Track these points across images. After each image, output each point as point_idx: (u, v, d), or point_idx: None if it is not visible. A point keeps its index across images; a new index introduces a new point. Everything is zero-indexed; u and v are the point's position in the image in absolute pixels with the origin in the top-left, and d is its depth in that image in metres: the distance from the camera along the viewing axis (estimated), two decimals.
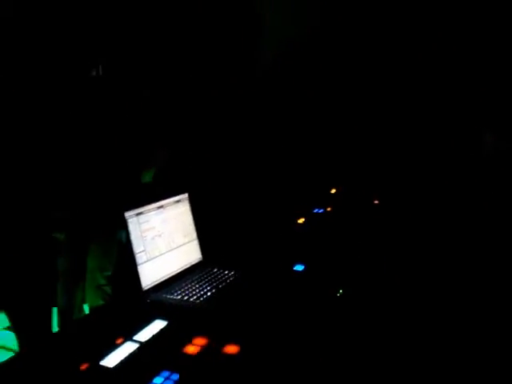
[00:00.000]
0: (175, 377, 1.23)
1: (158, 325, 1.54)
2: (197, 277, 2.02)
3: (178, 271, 2.06)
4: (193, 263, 2.16)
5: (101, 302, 2.50)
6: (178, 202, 2.15)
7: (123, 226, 1.82)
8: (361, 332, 1.64)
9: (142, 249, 1.90)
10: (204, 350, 1.38)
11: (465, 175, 2.64)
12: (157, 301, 1.81)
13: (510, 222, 2.46)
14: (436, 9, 2.38)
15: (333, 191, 3.23)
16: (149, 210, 1.98)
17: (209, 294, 1.85)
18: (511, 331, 1.48)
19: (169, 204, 2.10)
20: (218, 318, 1.62)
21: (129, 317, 1.65)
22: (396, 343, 1.68)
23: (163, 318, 1.59)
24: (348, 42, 2.79)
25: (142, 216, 1.93)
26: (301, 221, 2.66)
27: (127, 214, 1.86)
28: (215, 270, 2.09)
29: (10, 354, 2.12)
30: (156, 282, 1.93)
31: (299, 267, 2.04)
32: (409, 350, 1.67)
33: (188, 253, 2.16)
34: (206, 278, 2.01)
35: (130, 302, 1.81)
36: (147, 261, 1.92)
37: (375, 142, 3.14)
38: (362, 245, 2.31)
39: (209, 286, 1.92)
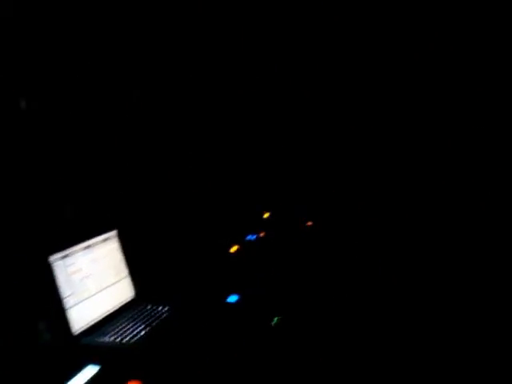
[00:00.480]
0: None
1: (90, 371, 1.49)
2: (130, 315, 1.98)
3: (111, 311, 2.01)
4: (125, 301, 2.11)
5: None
6: (106, 239, 2.10)
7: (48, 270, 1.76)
8: (297, 360, 1.65)
9: (69, 292, 1.84)
10: None
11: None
12: (89, 345, 1.75)
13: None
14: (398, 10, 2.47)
15: (265, 215, 3.25)
16: (75, 251, 1.92)
17: (142, 333, 1.80)
18: (501, 332, 1.54)
19: (97, 243, 2.04)
20: (152, 360, 1.59)
21: (59, 364, 1.58)
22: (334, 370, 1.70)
23: (96, 363, 1.54)
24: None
25: (68, 258, 1.87)
26: (234, 249, 2.66)
27: (52, 258, 1.79)
28: (148, 306, 2.05)
29: None
30: (87, 325, 1.86)
31: (233, 298, 2.04)
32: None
33: (120, 291, 2.10)
34: (140, 316, 1.96)
35: (61, 348, 1.74)
36: (76, 304, 1.85)
37: (306, 162, 3.19)
38: (297, 270, 2.34)
39: (142, 324, 1.88)
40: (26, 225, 1.99)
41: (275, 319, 1.79)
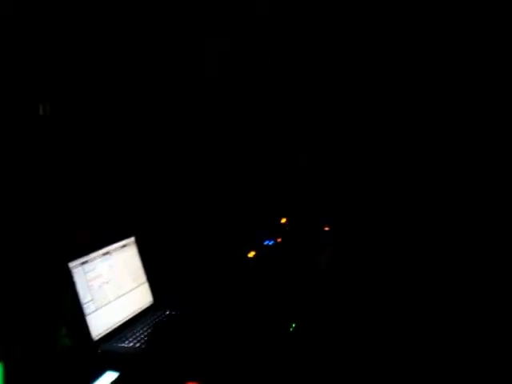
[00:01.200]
0: None
1: (108, 377, 1.50)
2: (148, 321, 1.99)
3: (129, 317, 2.02)
4: (144, 307, 2.12)
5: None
6: (124, 246, 2.12)
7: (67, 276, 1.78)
8: (316, 366, 1.64)
9: (89, 298, 1.85)
10: None
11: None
12: (108, 351, 1.76)
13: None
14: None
15: (283, 221, 3.24)
16: (94, 258, 1.94)
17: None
18: (495, 334, 1.52)
19: (115, 249, 2.06)
20: (170, 365, 1.59)
21: (79, 370, 1.59)
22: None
23: (115, 369, 1.55)
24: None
25: (87, 265, 1.88)
26: (251, 254, 2.66)
27: (71, 265, 1.81)
28: (167, 312, 2.06)
29: None
30: (107, 331, 1.88)
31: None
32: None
33: (138, 297, 2.12)
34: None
35: (80, 354, 1.75)
36: (96, 310, 1.87)
37: (320, 168, 3.18)
38: (317, 275, 2.33)
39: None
40: (46, 231, 2.01)
41: (293, 325, 1.79)
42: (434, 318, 1.91)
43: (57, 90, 2.16)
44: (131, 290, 2.08)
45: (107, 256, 2.01)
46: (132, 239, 2.16)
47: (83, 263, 1.87)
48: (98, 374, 1.52)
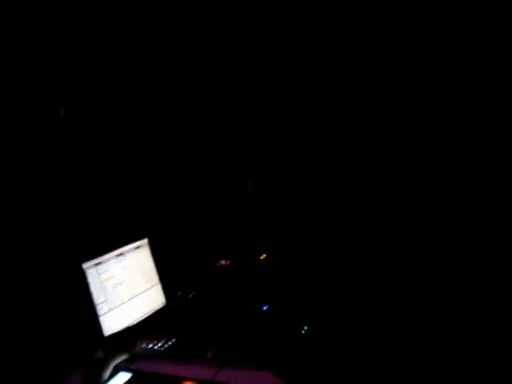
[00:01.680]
0: None
1: (122, 377, 1.51)
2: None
3: (142, 318, 2.03)
4: (156, 309, 2.13)
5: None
6: (137, 247, 2.13)
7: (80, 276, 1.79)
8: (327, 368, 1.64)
9: (102, 299, 1.87)
10: None
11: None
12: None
13: None
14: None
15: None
16: (108, 259, 1.95)
17: (173, 340, 1.82)
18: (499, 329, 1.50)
19: (129, 251, 2.07)
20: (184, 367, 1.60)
21: (92, 370, 1.60)
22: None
23: (128, 370, 1.56)
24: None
25: (101, 266, 1.90)
26: (263, 256, 2.66)
27: (85, 266, 1.83)
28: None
29: None
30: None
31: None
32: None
33: (151, 298, 2.13)
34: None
35: (94, 354, 1.76)
36: (109, 311, 1.88)
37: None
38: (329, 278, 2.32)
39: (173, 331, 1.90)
40: (61, 233, 2.03)
41: (305, 327, 1.78)
42: (432, 313, 1.90)
43: (72, 94, 2.19)
44: (144, 291, 2.09)
45: (121, 257, 2.02)
46: (145, 241, 2.17)
47: (97, 264, 1.89)
48: (112, 374, 1.52)
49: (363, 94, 2.52)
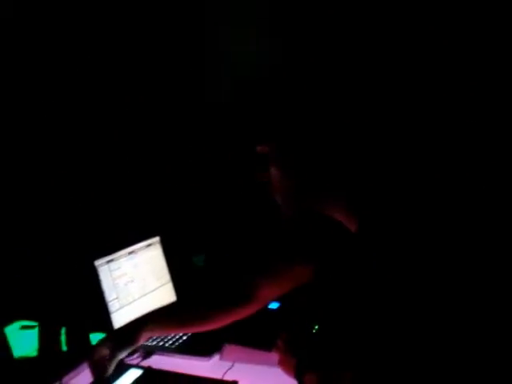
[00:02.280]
0: None
1: (133, 374, 1.52)
2: None
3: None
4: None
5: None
6: (149, 245, 2.14)
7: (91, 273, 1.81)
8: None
9: (114, 296, 1.88)
10: None
11: None
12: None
13: None
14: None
15: None
16: (120, 257, 1.96)
17: (184, 337, 1.83)
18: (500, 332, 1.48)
19: (140, 248, 2.08)
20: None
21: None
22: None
23: (138, 367, 1.57)
24: None
25: (112, 263, 1.91)
26: None
27: (97, 263, 1.84)
28: None
29: None
30: None
31: (274, 305, 2.03)
32: None
33: (162, 297, 2.14)
34: None
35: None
36: (120, 308, 1.89)
37: None
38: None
39: None
40: (74, 230, 2.05)
41: (316, 327, 1.77)
42: (433, 312, 1.87)
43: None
44: (155, 289, 2.10)
45: (132, 255, 2.03)
46: (157, 239, 2.18)
47: (109, 261, 1.90)
48: (122, 370, 1.53)
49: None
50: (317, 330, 1.78)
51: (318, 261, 1.40)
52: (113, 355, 1.34)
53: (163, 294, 2.15)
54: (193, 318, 1.48)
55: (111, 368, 1.35)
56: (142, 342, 1.39)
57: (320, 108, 1.14)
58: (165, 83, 2.48)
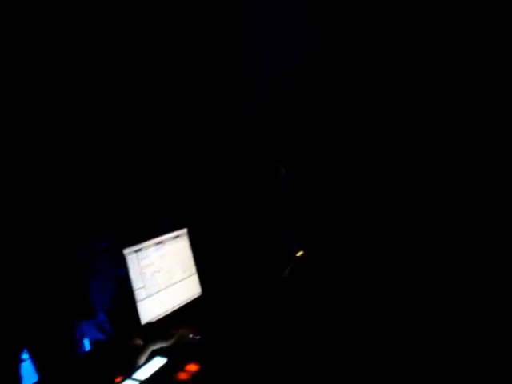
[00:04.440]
0: None
1: (157, 362, 1.54)
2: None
3: (178, 307, 2.06)
4: (192, 298, 2.16)
5: (100, 337, 2.48)
6: (176, 237, 2.16)
7: (122, 262, 1.83)
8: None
9: (141, 285, 1.90)
10: None
11: None
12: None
13: None
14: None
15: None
16: (148, 246, 1.99)
17: (207, 330, 1.84)
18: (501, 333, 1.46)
19: (168, 239, 2.11)
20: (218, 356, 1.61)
21: (128, 354, 1.63)
22: None
23: (163, 355, 1.58)
24: None
25: (141, 252, 1.94)
26: (299, 254, 2.65)
27: (126, 251, 1.87)
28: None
29: None
30: (156, 319, 1.92)
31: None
32: None
33: (188, 288, 2.16)
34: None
35: (130, 339, 1.79)
36: (147, 297, 1.92)
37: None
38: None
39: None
40: (104, 219, 2.09)
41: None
42: (433, 315, 1.85)
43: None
44: (181, 280, 2.12)
45: (160, 245, 2.05)
46: (184, 231, 2.20)
47: (137, 251, 1.92)
48: (148, 358, 1.55)
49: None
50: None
51: None
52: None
53: (188, 285, 2.17)
54: None
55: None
56: (174, 340, 1.41)
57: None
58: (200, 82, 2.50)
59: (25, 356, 1.71)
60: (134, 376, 1.44)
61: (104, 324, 2.58)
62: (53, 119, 1.91)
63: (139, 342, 1.41)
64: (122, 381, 1.41)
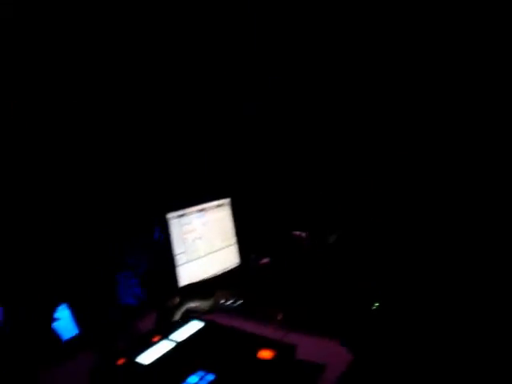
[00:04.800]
0: (210, 377, 1.23)
1: (195, 325, 1.55)
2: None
3: (216, 275, 2.07)
4: (230, 267, 2.17)
5: (131, 302, 2.53)
6: (219, 206, 2.16)
7: (163, 225, 1.85)
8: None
9: (182, 250, 1.92)
10: (241, 352, 1.38)
11: None
12: None
13: None
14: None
15: None
16: (191, 213, 2.00)
17: (243, 299, 1.85)
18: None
19: (210, 208, 2.11)
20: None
21: (166, 316, 1.66)
22: None
23: (200, 319, 1.60)
24: None
25: (183, 218, 1.95)
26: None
27: (169, 215, 1.88)
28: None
29: None
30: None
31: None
32: None
33: (226, 257, 2.17)
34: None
35: (168, 299, 1.82)
36: (186, 262, 1.94)
37: None
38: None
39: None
40: (148, 184, 2.11)
41: (376, 304, 1.76)
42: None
43: None
44: (221, 249, 2.13)
45: (202, 213, 2.07)
46: (227, 200, 2.21)
47: (180, 216, 1.94)
48: (185, 321, 1.56)
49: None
50: (377, 307, 1.76)
51: None
52: (180, 304, 1.39)
53: (228, 254, 2.18)
54: None
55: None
56: (211, 301, 1.43)
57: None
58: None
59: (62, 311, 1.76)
60: (171, 337, 1.46)
61: (135, 288, 2.62)
62: (56, 119, 1.92)
63: (176, 300, 1.43)
64: (159, 340, 1.43)
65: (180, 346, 1.42)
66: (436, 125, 2.26)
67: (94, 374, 1.29)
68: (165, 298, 1.57)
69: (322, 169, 2.54)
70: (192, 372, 1.26)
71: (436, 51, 2.14)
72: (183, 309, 1.39)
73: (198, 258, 2.01)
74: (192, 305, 1.40)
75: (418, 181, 2.38)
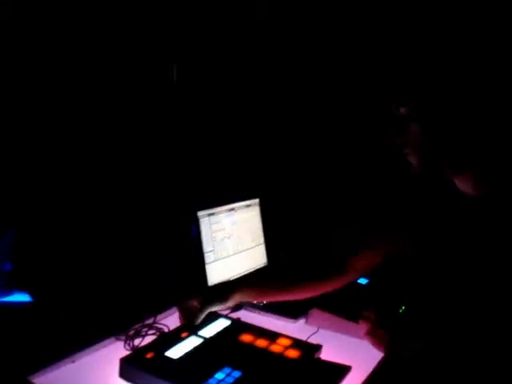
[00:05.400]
0: (237, 374, 1.26)
1: (222, 323, 1.58)
2: None
3: (243, 274, 2.10)
4: (258, 267, 2.19)
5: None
6: (248, 206, 2.19)
7: (194, 223, 1.89)
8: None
9: (211, 248, 1.95)
10: (268, 350, 1.40)
11: None
12: None
13: None
14: None
15: None
16: (220, 212, 2.03)
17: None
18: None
19: (240, 207, 2.14)
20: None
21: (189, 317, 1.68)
22: None
23: (227, 318, 1.63)
24: None
25: (213, 217, 1.98)
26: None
27: (200, 214, 1.92)
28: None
29: None
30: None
31: (363, 281, 2.01)
32: None
33: (254, 257, 2.19)
34: None
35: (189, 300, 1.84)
36: (215, 261, 1.97)
37: None
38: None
39: None
40: (182, 183, 2.14)
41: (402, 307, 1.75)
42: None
43: None
44: (249, 249, 2.16)
45: (232, 212, 2.09)
46: (256, 201, 2.23)
47: (210, 214, 1.97)
48: (213, 318, 1.59)
49: None
50: (403, 310, 1.75)
51: (413, 229, 1.35)
52: (202, 309, 1.41)
53: (256, 254, 2.20)
54: (285, 287, 1.51)
55: (199, 319, 1.42)
56: (231, 303, 1.44)
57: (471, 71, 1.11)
58: None
59: None
60: (200, 333, 1.49)
61: None
62: (60, 118, 1.94)
63: (196, 303, 1.46)
64: (188, 336, 1.46)
65: (207, 342, 1.44)
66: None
67: (124, 364, 1.32)
68: (186, 296, 1.58)
69: (353, 168, 2.51)
70: (219, 368, 1.28)
71: (436, 51, 2.11)
72: (203, 314, 1.42)
73: (227, 256, 2.04)
74: (213, 309, 1.43)
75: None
